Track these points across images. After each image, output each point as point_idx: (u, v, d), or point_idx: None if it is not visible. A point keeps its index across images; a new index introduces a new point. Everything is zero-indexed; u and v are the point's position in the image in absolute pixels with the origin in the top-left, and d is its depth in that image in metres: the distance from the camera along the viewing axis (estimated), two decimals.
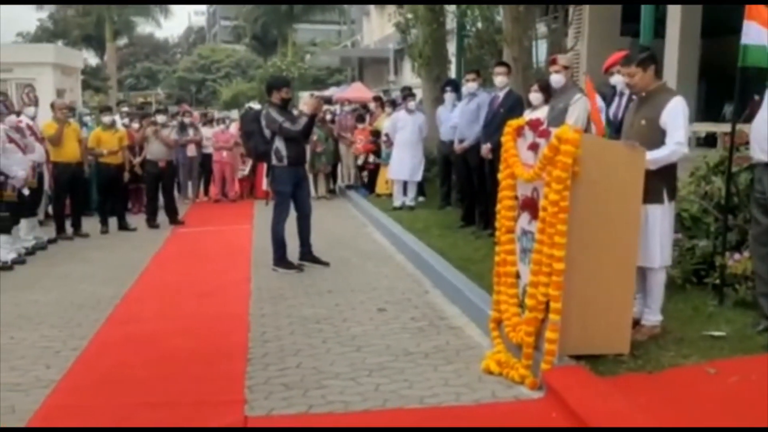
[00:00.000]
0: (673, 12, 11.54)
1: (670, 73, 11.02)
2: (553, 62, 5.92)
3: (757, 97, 4.27)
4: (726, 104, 10.95)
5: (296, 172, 6.71)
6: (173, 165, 10.45)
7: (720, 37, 11.44)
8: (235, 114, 18.89)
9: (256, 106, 10.46)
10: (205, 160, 12.33)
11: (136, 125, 10.54)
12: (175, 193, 10.76)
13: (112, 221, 9.43)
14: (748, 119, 4.43)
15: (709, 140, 10.57)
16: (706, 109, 11.55)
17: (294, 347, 4.54)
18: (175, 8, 42.92)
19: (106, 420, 3.53)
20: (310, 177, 10.91)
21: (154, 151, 9.76)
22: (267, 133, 6.59)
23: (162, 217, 9.85)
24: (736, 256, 4.58)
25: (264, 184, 12.47)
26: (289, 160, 6.57)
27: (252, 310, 5.44)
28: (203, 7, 71.11)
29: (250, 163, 12.07)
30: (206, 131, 12.54)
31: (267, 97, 6.88)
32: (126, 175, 9.67)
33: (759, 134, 3.94)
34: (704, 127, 10.73)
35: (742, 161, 4.61)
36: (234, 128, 12.50)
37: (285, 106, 6.74)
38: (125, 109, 12.53)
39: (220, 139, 12.32)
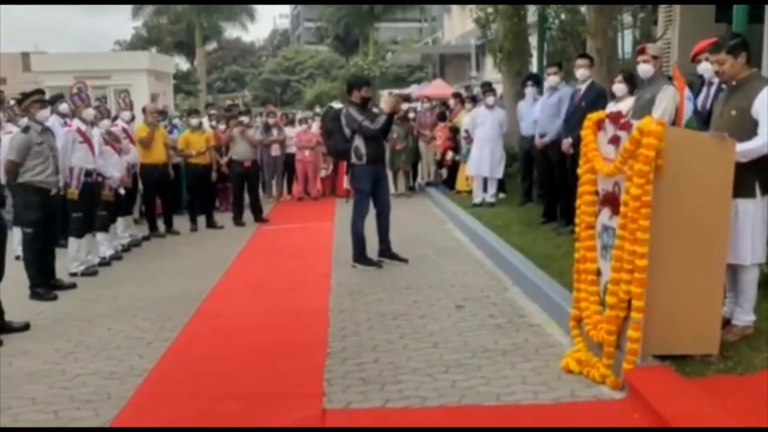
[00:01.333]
0: None
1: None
2: (642, 51, 5.69)
3: None
4: None
5: (375, 169, 6.79)
6: (258, 164, 10.77)
7: None
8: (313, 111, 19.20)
9: (337, 105, 10.62)
10: (289, 160, 12.62)
11: (222, 126, 10.92)
12: (260, 191, 11.08)
13: (201, 220, 9.82)
14: None
15: None
16: None
17: (372, 342, 4.60)
18: (260, 12, 44.22)
19: (192, 408, 3.69)
20: (390, 174, 11.03)
21: (240, 151, 10.09)
22: (347, 131, 6.70)
23: (248, 215, 10.17)
24: None
25: (345, 182, 12.71)
26: (368, 158, 6.65)
27: (331, 305, 5.54)
28: (287, 10, 72.96)
29: (332, 161, 12.28)
30: (289, 131, 12.84)
31: (347, 96, 6.98)
32: (213, 175, 10.05)
33: None
34: None
35: None
36: (316, 127, 12.74)
37: (365, 105, 6.83)
38: (213, 111, 13.00)
39: (302, 138, 12.60)
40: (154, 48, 38.45)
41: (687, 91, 4.84)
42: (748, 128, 3.74)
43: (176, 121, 12.00)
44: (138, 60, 20.60)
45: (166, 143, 9.30)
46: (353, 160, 6.74)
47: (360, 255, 6.80)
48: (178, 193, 10.33)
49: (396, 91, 25.56)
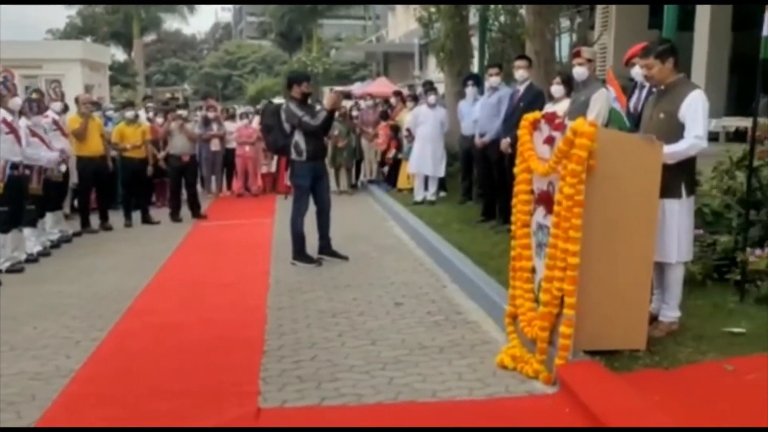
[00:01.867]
0: (703, 5, 11.34)
1: (699, 67, 10.84)
2: (577, 54, 5.84)
3: None
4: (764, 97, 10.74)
5: (315, 166, 6.74)
6: (196, 159, 10.55)
7: (752, 29, 11.22)
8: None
9: (277, 101, 10.52)
10: (228, 155, 12.42)
11: (160, 120, 10.65)
12: (198, 187, 10.87)
13: (136, 215, 9.55)
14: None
15: (741, 135, 10.38)
16: (737, 103, 11.33)
17: (309, 340, 4.56)
18: (201, 4, 43.26)
19: (121, 408, 3.58)
20: (332, 172, 11.00)
21: (178, 145, 9.86)
22: (287, 127, 6.63)
23: (185, 211, 9.95)
24: (758, 251, 4.50)
25: (286, 178, 12.59)
26: (308, 154, 6.60)
27: (270, 302, 5.48)
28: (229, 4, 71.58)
29: (275, 158, 12.15)
30: (229, 126, 12.63)
31: (287, 92, 6.90)
32: (149, 169, 9.79)
33: None
34: (734, 122, 10.54)
35: (765, 155, 4.51)
36: (257, 123, 12.57)
37: (305, 101, 6.77)
38: (150, 104, 12.67)
39: (243, 133, 12.41)
40: (89, 38, 37.21)
41: (612, 92, 4.98)
42: (675, 131, 3.88)
43: (111, 113, 11.63)
44: (71, 50, 19.94)
45: (103, 134, 9.01)
46: (293, 156, 6.67)
47: (299, 252, 6.74)
48: (114, 187, 10.03)
49: (338, 88, 25.51)
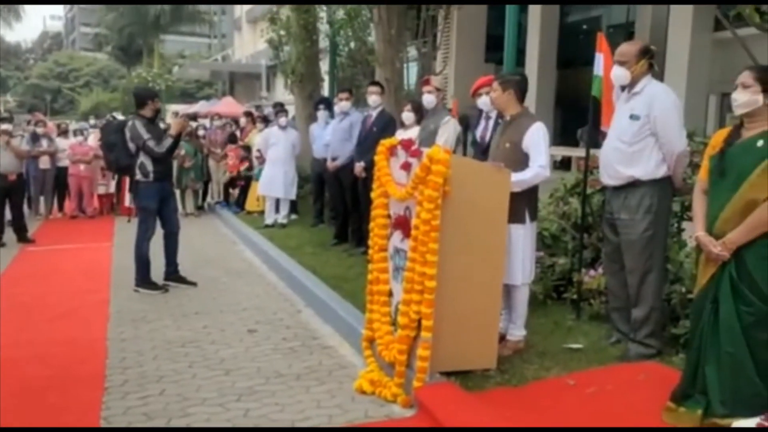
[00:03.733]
0: (532, 44, 12.32)
1: (530, 100, 11.65)
2: (427, 83, 6.07)
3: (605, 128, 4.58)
4: (579, 129, 11.80)
5: (162, 187, 6.42)
6: (23, 178, 9.66)
7: (573, 68, 12.34)
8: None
9: (119, 116, 9.93)
10: (60, 174, 11.49)
11: None
12: (25, 208, 9.94)
13: None
14: (597, 145, 4.76)
15: (565, 163, 11.32)
16: (562, 134, 12.36)
17: (157, 373, 4.29)
18: (28, 11, 40.01)
19: None
20: (177, 193, 10.53)
21: (3, 162, 8.95)
22: (131, 146, 6.26)
23: (9, 234, 9.05)
24: (591, 272, 4.88)
25: (127, 200, 11.88)
26: (155, 175, 6.28)
27: (111, 334, 5.10)
28: (60, 11, 67.16)
29: (114, 177, 11.45)
30: (62, 142, 11.71)
31: (136, 109, 6.51)
32: None
33: (605, 161, 4.23)
34: (560, 152, 11.48)
35: (595, 183, 4.92)
36: (93, 140, 11.79)
37: (154, 119, 6.48)
38: None
39: (77, 151, 11.54)
40: None
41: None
42: (520, 160, 4.12)
43: None
44: None
45: None
46: (138, 176, 6.30)
47: (143, 278, 6.36)
48: None
49: (182, 107, 24.61)
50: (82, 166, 11.45)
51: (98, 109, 35.59)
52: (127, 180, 11.74)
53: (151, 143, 6.18)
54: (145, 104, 6.37)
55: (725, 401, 3.10)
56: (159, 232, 6.51)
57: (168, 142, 6.31)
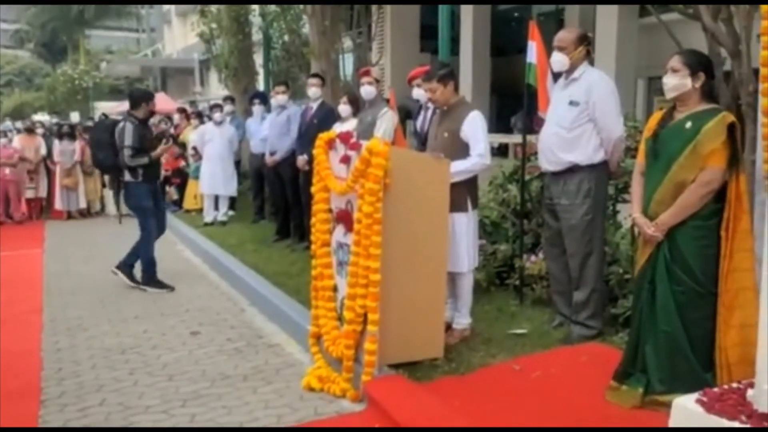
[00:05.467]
0: (466, 33, 12.42)
1: (466, 88, 11.81)
2: (366, 73, 6.00)
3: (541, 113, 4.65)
4: (513, 116, 11.99)
5: (153, 187, 6.45)
6: None
7: (507, 56, 12.52)
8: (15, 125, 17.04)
9: (37, 117, 9.54)
10: None
11: None
12: None
13: None
14: (532, 131, 4.83)
15: (502, 150, 11.48)
16: (497, 121, 12.52)
17: (96, 383, 4.14)
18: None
19: None
20: (110, 194, 10.21)
21: None
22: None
23: None
24: (533, 258, 4.96)
25: (58, 203, 11.45)
26: (144, 177, 6.28)
27: (45, 344, 4.89)
28: None
29: (44, 180, 11.04)
30: None
31: (129, 109, 6.45)
32: None
33: (544, 146, 4.29)
34: (496, 139, 11.62)
35: (533, 170, 5.00)
36: (18, 142, 11.32)
37: (147, 121, 6.48)
38: None
39: (2, 154, 11.03)
40: None
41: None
42: (459, 149, 4.14)
43: None
44: None
45: None
46: (128, 177, 6.26)
47: (150, 278, 6.39)
48: None
49: (111, 104, 23.76)
50: (7, 170, 10.96)
51: (21, 110, 34.08)
52: (57, 183, 11.38)
53: (126, 152, 6.16)
54: (139, 106, 6.32)
55: (663, 379, 3.19)
56: (135, 233, 6.44)
57: (143, 160, 6.23)
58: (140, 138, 6.23)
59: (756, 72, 3.42)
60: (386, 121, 5.69)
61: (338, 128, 5.87)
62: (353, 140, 3.95)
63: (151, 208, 6.38)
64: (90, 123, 14.13)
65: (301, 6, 9.82)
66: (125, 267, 6.49)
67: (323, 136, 4.21)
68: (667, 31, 5.01)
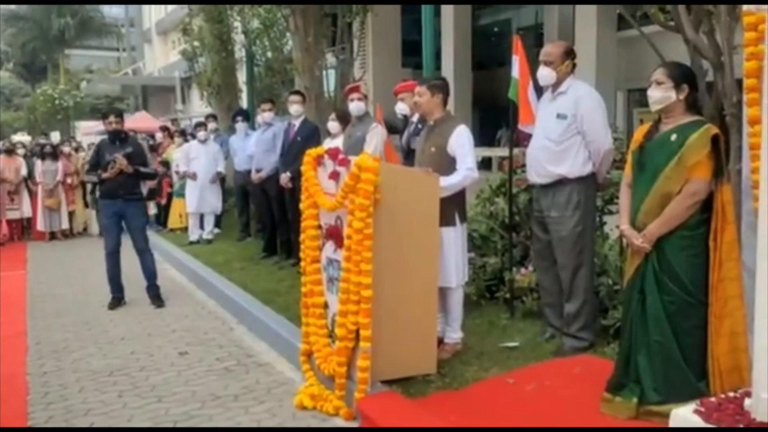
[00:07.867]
0: (447, 47, 12.51)
1: (449, 102, 11.91)
2: (356, 89, 5.98)
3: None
4: (499, 130, 12.07)
5: (112, 204, 6.44)
6: None
7: (488, 69, 12.62)
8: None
9: (17, 137, 9.45)
10: None
11: None
12: None
13: None
14: (518, 145, 4.86)
15: (485, 163, 11.54)
16: (480, 134, 12.58)
17: (84, 406, 4.07)
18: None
19: None
20: (94, 213, 10.11)
21: None
22: None
23: None
24: (522, 270, 4.97)
25: (40, 224, 11.32)
26: (100, 193, 6.67)
27: (30, 368, 4.81)
28: None
29: (26, 201, 10.92)
30: None
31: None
32: None
33: (533, 159, 4.32)
34: (480, 152, 11.67)
35: (521, 183, 5.02)
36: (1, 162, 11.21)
37: (116, 138, 6.38)
38: None
39: None
40: None
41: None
42: (446, 163, 4.14)
43: None
44: None
45: None
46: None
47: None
48: None
49: (92, 125, 23.56)
50: None
51: (1, 131, 33.73)
52: (39, 203, 11.26)
53: (86, 167, 6.43)
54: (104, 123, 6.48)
55: (658, 388, 3.20)
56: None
57: (92, 178, 6.53)
58: (97, 155, 6.39)
59: (739, 83, 3.49)
60: (376, 136, 5.68)
61: (328, 144, 5.87)
62: (342, 156, 3.95)
63: (106, 225, 6.51)
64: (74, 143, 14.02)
65: (285, 23, 9.84)
66: (152, 290, 6.59)
67: (311, 152, 4.20)
68: (647, 44, 5.07)
